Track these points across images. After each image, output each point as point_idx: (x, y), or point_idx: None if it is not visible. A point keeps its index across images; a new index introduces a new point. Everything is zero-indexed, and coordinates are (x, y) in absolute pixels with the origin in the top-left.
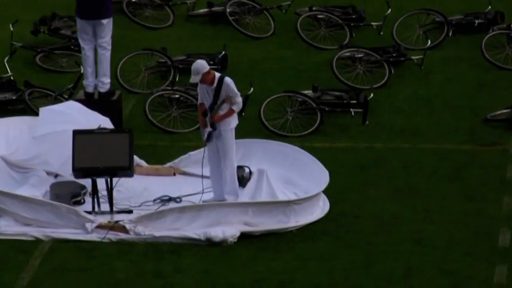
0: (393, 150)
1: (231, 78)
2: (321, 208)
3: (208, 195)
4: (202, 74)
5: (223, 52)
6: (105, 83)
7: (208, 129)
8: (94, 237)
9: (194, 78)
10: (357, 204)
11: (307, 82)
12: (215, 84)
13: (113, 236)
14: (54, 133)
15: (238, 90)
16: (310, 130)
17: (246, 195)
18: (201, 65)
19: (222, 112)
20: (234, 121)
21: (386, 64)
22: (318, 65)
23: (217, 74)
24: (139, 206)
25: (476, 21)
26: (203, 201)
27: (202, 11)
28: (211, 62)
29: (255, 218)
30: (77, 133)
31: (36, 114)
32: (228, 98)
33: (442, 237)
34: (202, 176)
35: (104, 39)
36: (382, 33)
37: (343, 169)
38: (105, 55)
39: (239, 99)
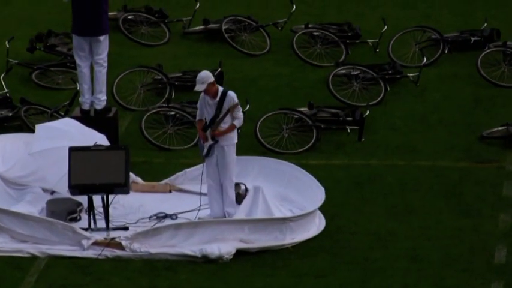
0: (389, 167)
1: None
2: (316, 225)
3: (205, 212)
4: (208, 84)
5: (219, 69)
6: (101, 100)
7: (209, 142)
8: (90, 254)
9: (199, 87)
10: (353, 221)
11: (303, 99)
12: (218, 98)
13: (109, 252)
14: (50, 150)
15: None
16: (306, 147)
17: (241, 212)
18: (207, 75)
19: (223, 126)
20: (236, 136)
21: (382, 81)
22: (314, 82)
23: (221, 88)
24: (135, 222)
25: (472, 39)
26: (199, 218)
27: (198, 28)
28: None
29: (251, 235)
30: (73, 150)
31: (32, 131)
32: (233, 108)
33: (438, 254)
34: (201, 193)
35: (100, 56)
36: (378, 50)
37: (339, 186)
38: (102, 72)
39: (241, 114)
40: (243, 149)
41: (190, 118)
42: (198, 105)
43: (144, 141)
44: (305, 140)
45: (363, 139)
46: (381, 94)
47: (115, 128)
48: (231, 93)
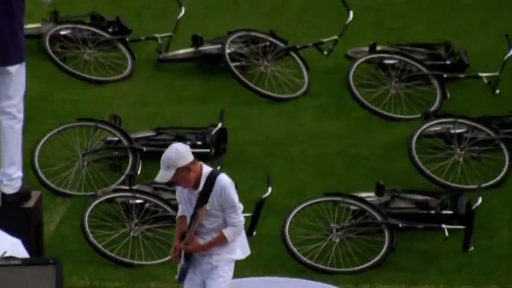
0: None
1: (231, 177)
2: None
3: None
4: (178, 170)
5: (220, 125)
6: (13, 177)
7: (181, 263)
8: None
9: (163, 175)
10: None
11: (367, 178)
12: (201, 187)
13: None
14: None
15: (241, 200)
16: (373, 261)
17: None
18: (178, 152)
19: (205, 237)
20: (237, 248)
21: (505, 146)
22: (386, 149)
23: (207, 169)
24: None
25: None
26: None
27: (182, 52)
28: (199, 143)
29: None
30: None
31: None
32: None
33: None
34: None
35: (10, 102)
36: (498, 91)
37: None
38: (14, 129)
39: (239, 219)
40: (261, 264)
41: (170, 210)
42: (176, 192)
43: (88, 250)
44: (370, 248)
45: (472, 247)
46: (504, 168)
47: (37, 226)
48: (223, 180)
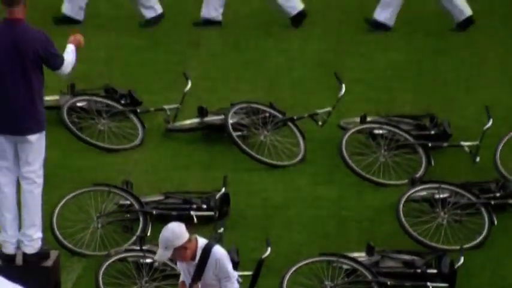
0: None
1: (233, 238)
2: None
3: None
4: (175, 249)
5: (223, 190)
6: (33, 238)
7: None
8: None
9: (162, 255)
10: None
11: (359, 239)
12: (197, 259)
13: None
14: None
15: (243, 260)
16: None
17: None
18: (174, 233)
19: None
20: None
21: (485, 209)
22: (376, 212)
23: (202, 241)
24: None
25: None
26: None
27: (189, 122)
28: (204, 206)
29: None
30: None
31: None
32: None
33: None
34: None
35: (30, 168)
36: (478, 159)
37: None
38: (34, 193)
39: (234, 287)
40: None
41: (177, 268)
42: (177, 264)
43: None
44: None
45: None
46: (484, 230)
47: (55, 284)
48: (218, 253)
